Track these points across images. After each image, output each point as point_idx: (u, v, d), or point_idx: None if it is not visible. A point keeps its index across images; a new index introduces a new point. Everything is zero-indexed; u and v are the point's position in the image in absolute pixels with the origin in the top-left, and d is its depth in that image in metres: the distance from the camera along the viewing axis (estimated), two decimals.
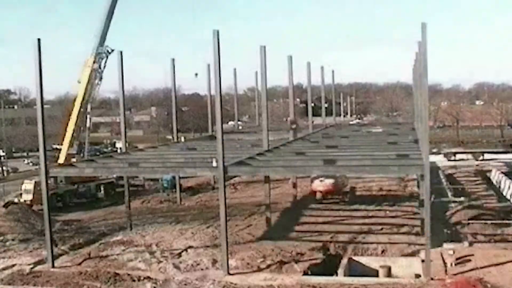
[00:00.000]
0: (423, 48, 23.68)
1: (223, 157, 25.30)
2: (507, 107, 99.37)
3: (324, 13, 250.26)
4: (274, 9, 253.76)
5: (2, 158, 74.70)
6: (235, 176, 48.46)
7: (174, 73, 44.55)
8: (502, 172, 48.13)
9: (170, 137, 52.18)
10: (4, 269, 26.77)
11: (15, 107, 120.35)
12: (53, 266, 26.70)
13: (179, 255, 27.99)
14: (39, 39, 26.25)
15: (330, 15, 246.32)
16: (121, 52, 36.82)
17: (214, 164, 25.96)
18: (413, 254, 26.91)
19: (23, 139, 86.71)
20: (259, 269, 25.52)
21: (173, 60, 44.17)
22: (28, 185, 42.76)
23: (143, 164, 30.52)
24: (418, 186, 36.48)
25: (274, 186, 40.92)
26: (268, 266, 25.95)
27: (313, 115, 54.75)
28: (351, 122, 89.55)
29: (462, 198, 39.15)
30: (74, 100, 47.08)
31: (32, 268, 26.71)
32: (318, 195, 40.76)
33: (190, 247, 29.28)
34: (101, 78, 43.39)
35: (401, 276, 24.37)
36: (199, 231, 32.50)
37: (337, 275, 24.83)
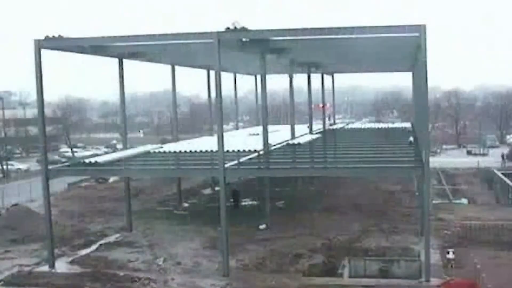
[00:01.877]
0: (423, 49, 23.69)
1: (223, 158, 25.31)
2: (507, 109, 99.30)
3: (322, 14, 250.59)
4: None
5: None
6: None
7: (174, 75, 44.42)
8: (502, 173, 48.19)
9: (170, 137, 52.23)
10: (4, 270, 26.80)
11: (15, 108, 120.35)
12: (53, 267, 26.74)
13: (179, 256, 28.00)
14: (38, 40, 26.27)
15: (329, 16, 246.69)
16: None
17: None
18: (413, 255, 26.90)
19: (23, 140, 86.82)
20: (259, 271, 25.55)
21: None
22: None
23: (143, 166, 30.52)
24: (417, 187, 36.47)
25: None
26: (268, 267, 25.97)
27: None
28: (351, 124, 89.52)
29: (463, 199, 39.16)
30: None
31: (32, 269, 26.74)
32: None
33: (190, 248, 29.30)
34: None
35: (401, 277, 24.34)
36: (199, 232, 32.49)
37: (337, 276, 24.82)
